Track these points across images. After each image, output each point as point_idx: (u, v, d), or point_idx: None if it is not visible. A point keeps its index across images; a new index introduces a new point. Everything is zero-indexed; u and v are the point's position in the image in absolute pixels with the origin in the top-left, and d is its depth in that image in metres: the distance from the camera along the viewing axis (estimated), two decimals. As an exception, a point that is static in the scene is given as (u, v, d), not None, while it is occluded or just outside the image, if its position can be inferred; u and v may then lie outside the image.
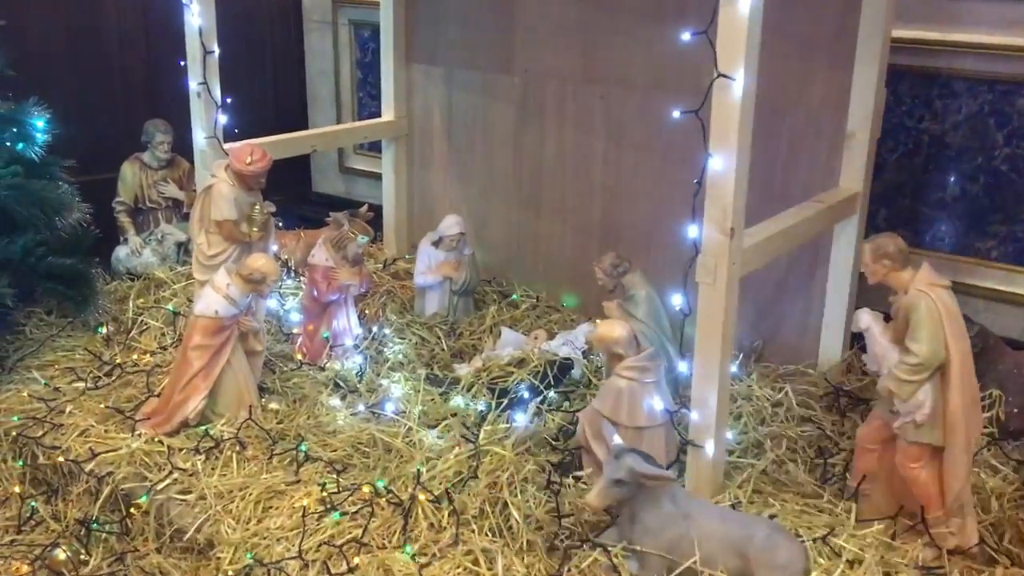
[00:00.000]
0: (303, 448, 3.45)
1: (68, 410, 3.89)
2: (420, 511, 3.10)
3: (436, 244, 4.46)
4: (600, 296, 4.64)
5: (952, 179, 4.15)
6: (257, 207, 4.01)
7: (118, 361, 4.20)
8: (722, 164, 2.82)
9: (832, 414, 3.74)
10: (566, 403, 3.76)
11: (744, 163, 2.86)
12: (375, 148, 5.82)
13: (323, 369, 4.11)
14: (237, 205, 3.97)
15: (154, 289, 4.82)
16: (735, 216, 2.90)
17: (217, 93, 4.21)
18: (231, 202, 3.95)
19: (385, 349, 4.20)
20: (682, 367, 3.00)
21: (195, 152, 4.32)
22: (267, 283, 3.67)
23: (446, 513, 3.07)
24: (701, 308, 3.00)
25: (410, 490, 3.16)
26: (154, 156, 5.10)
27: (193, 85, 4.17)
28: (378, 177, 5.96)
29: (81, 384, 4.08)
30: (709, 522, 2.77)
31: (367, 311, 4.50)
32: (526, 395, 3.70)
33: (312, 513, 3.16)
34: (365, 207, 5.16)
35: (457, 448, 3.33)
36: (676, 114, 2.92)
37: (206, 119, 4.21)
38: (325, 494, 3.24)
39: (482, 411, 3.66)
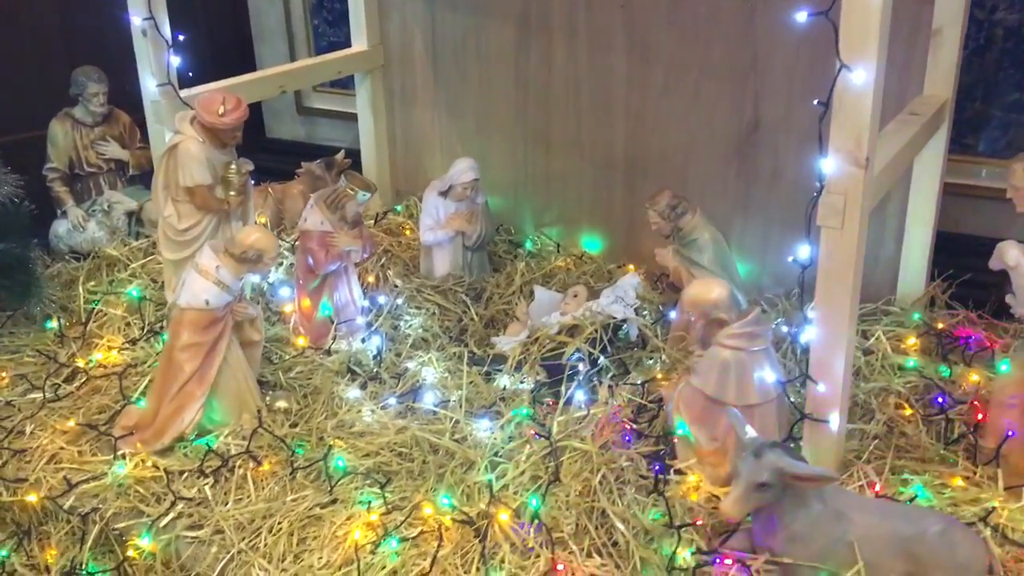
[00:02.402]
0: (340, 463, 2.84)
1: (29, 430, 3.20)
2: (497, 530, 2.53)
3: (444, 194, 3.82)
4: (628, 238, 4.11)
5: (1032, 77, 3.65)
6: (233, 166, 3.33)
7: (79, 363, 3.50)
8: (862, 78, 2.24)
9: (933, 359, 3.27)
10: (630, 373, 3.21)
11: (882, 76, 2.29)
12: (337, 84, 5.11)
13: (329, 353, 3.48)
14: (210, 166, 3.28)
15: (106, 269, 4.10)
16: (871, 143, 2.33)
17: (167, 29, 3.46)
18: (203, 163, 3.26)
19: (401, 323, 3.58)
20: (810, 333, 2.47)
21: (146, 105, 3.58)
22: (265, 261, 3.01)
23: (532, 531, 2.51)
24: (824, 258, 2.46)
25: (483, 505, 2.59)
26: (87, 110, 4.32)
27: (136, 21, 3.40)
28: (342, 117, 5.30)
29: (38, 395, 3.38)
30: (869, 520, 2.27)
31: (369, 278, 3.85)
32: (581, 367, 3.14)
33: (364, 543, 2.57)
34: (341, 154, 4.55)
35: (528, 446, 2.75)
36: (802, 17, 2.30)
37: (156, 62, 3.47)
38: (374, 516, 2.65)
39: (535, 390, 3.11)
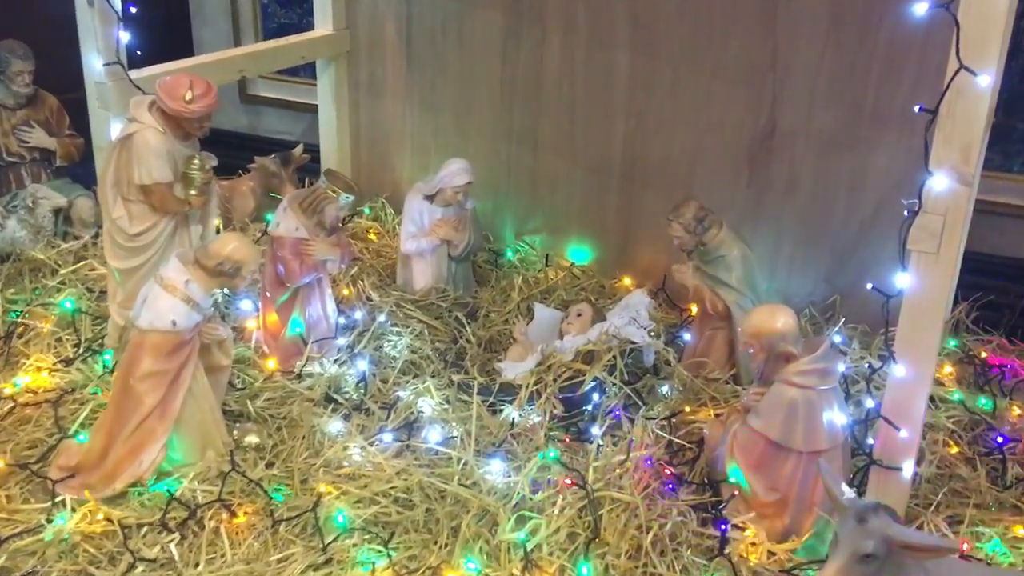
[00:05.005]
0: (341, 518, 2.41)
1: (-55, 470, 2.68)
2: (533, 600, 2.16)
3: (430, 198, 3.41)
4: (622, 249, 3.78)
5: (1057, 88, 3.45)
6: (196, 161, 2.87)
7: (3, 387, 2.97)
8: (985, 82, 1.93)
9: (970, 389, 3.02)
10: (654, 406, 2.87)
11: (997, 84, 2.00)
12: (286, 71, 4.63)
13: (301, 377, 3.04)
14: (171, 160, 2.80)
15: (29, 275, 3.57)
16: (979, 159, 2.04)
17: (117, 0, 2.97)
18: (163, 157, 2.78)
19: (384, 344, 3.16)
20: (898, 371, 2.16)
21: (88, 86, 3.07)
22: (243, 275, 2.56)
23: (576, 602, 2.15)
24: (915, 287, 2.15)
25: (515, 571, 2.20)
26: (9, 91, 3.78)
27: (82, -11, 2.90)
28: (290, 107, 4.84)
29: (-46, 426, 2.85)
30: (972, 590, 1.98)
31: (345, 291, 3.42)
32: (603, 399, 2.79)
33: (374, 619, 2.17)
34: (299, 148, 4.13)
35: (560, 497, 2.37)
36: (922, 9, 1.97)
37: (103, 38, 2.97)
38: (382, 583, 2.25)
39: (553, 426, 2.74)
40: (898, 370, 2.20)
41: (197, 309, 2.51)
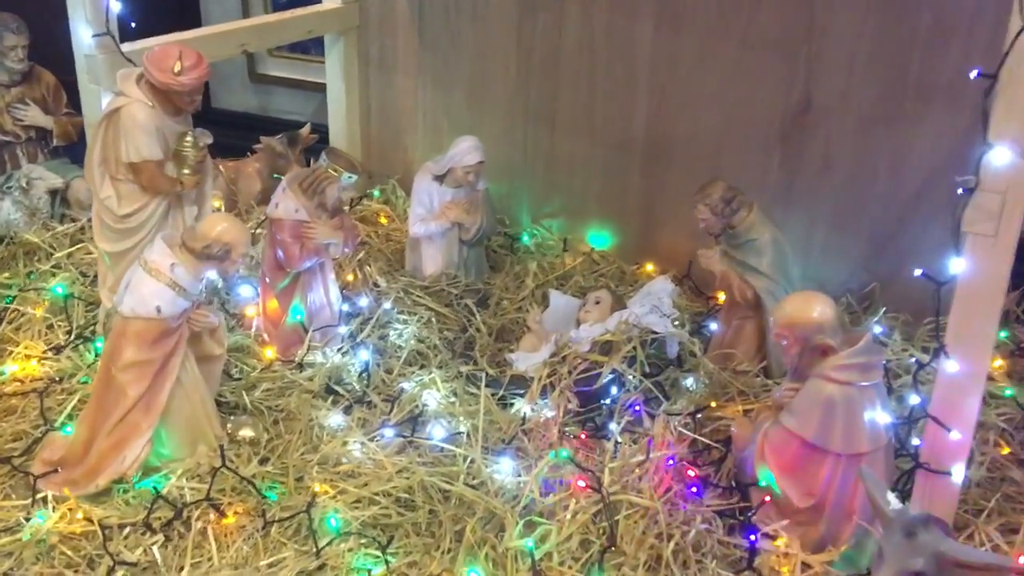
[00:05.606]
0: (333, 522, 2.23)
1: (-76, 463, 2.53)
2: (542, 615, 1.97)
3: (440, 179, 3.21)
4: (644, 233, 3.58)
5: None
6: (188, 138, 2.70)
7: (-11, 377, 2.83)
8: (1052, 44, 1.72)
9: (1021, 384, 2.80)
10: (677, 401, 2.67)
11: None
12: (296, 48, 4.47)
13: (302, 367, 2.87)
14: (160, 137, 2.63)
15: (23, 258, 3.43)
16: (1041, 130, 1.82)
17: (106, -34, 2.80)
18: (152, 134, 2.61)
19: (390, 332, 2.97)
20: (950, 366, 1.95)
21: (78, 59, 2.90)
22: (233, 258, 2.38)
23: (589, 618, 1.96)
24: (969, 273, 1.94)
25: (520, 580, 2.02)
26: (3, 67, 3.63)
27: (69, -46, 2.73)
28: (301, 86, 4.66)
29: (-64, 417, 2.71)
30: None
31: (348, 276, 3.24)
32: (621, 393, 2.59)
33: (368, 632, 1.99)
34: (307, 128, 3.96)
35: (573, 500, 2.18)
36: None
37: (92, 8, 2.80)
38: (378, 592, 2.07)
39: (567, 422, 2.55)
40: (950, 365, 1.98)
41: (184, 295, 2.34)
